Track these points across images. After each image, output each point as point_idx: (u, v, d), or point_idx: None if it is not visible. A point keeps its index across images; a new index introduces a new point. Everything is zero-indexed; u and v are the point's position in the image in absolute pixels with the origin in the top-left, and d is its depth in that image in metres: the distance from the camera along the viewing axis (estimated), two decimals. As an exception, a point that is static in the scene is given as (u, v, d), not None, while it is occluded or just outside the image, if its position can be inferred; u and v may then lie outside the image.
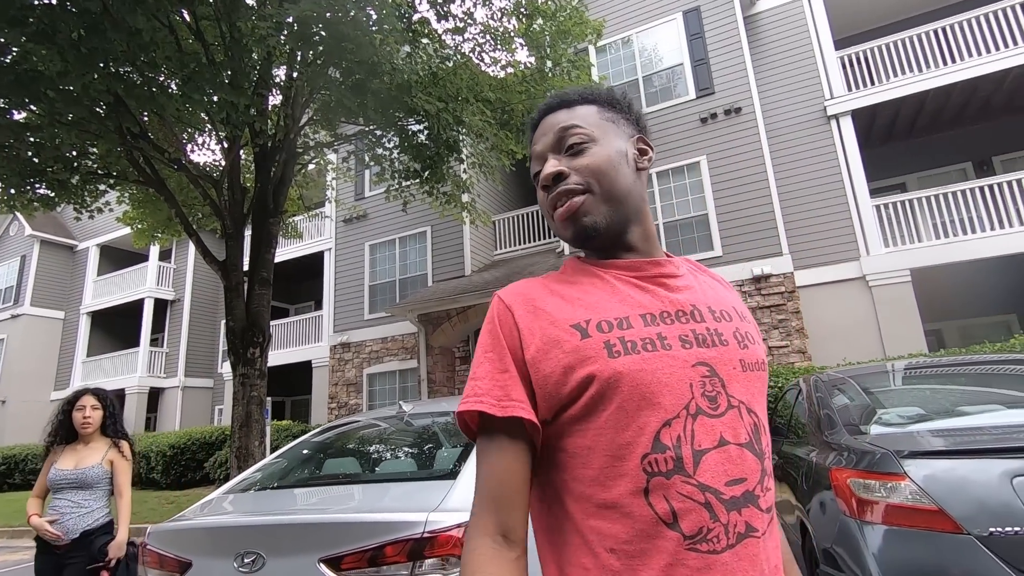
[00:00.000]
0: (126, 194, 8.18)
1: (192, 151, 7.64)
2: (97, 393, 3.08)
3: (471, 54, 7.21)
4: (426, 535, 1.88)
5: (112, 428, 3.01)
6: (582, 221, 0.74)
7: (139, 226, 8.94)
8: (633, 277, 0.76)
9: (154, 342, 17.09)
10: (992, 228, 8.26)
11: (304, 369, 14.11)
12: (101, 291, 17.94)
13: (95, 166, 6.77)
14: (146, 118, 6.54)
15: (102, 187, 7.25)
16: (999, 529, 1.80)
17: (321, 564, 1.96)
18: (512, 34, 7.35)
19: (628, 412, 0.64)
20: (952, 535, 1.87)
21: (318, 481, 3.01)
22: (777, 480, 3.80)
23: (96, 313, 18.00)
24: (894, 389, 3.37)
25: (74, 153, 6.35)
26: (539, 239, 11.99)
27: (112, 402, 3.11)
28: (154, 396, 16.54)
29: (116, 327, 18.42)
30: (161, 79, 5.57)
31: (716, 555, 0.61)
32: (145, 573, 2.25)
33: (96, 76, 4.89)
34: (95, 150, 6.61)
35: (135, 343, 16.79)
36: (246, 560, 2.02)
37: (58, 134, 5.73)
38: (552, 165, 0.76)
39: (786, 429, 3.96)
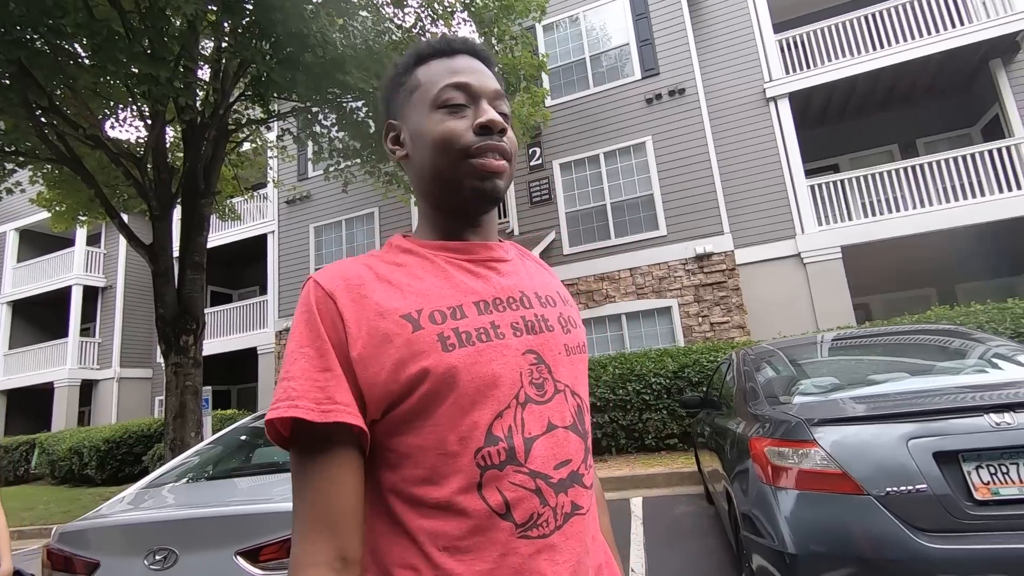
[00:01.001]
0: (39, 173, 7.58)
1: (112, 127, 7.12)
2: None
3: (412, 29, 6.99)
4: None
5: None
6: (499, 185, 0.70)
7: (57, 208, 8.31)
8: (465, 260, 0.72)
9: (85, 332, 16.11)
10: (915, 207, 8.75)
11: (249, 356, 13.66)
12: (23, 278, 16.72)
13: (0, 143, 6.21)
14: (58, 91, 6.04)
15: (9, 166, 6.68)
16: (895, 488, 1.91)
17: (238, 557, 1.90)
18: (455, 7, 7.15)
19: (463, 408, 0.61)
20: (854, 496, 1.97)
21: (245, 471, 2.91)
22: (710, 450, 3.95)
23: (18, 302, 16.80)
24: (817, 360, 3.53)
25: (-26, 128, 5.81)
26: (489, 220, 11.92)
27: None
28: (87, 389, 15.65)
29: (42, 317, 17.27)
30: (70, 48, 5.13)
31: (545, 539, 0.62)
32: (50, 576, 2.13)
33: (-7, 43, 4.47)
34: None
35: (63, 333, 15.78)
36: (157, 557, 1.94)
37: (-47, 107, 5.23)
38: (499, 117, 0.70)
39: (719, 401, 4.11)
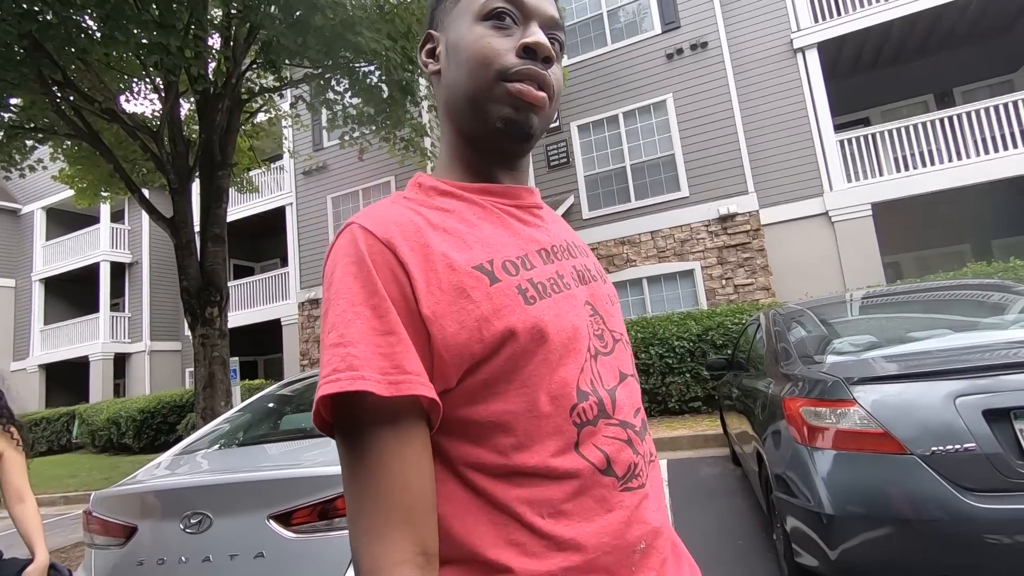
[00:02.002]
0: (59, 150, 7.63)
1: (127, 100, 7.08)
2: None
3: (423, -14, 6.75)
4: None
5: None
6: (533, 120, 0.62)
7: (80, 185, 8.40)
8: (512, 206, 0.66)
9: (115, 307, 16.53)
10: (950, 160, 8.37)
11: (274, 328, 13.89)
12: (52, 256, 17.13)
13: (18, 119, 6.23)
14: (72, 65, 6.01)
15: (30, 142, 6.73)
16: (940, 448, 1.84)
17: (271, 521, 1.92)
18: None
19: (552, 365, 0.56)
20: (896, 456, 1.90)
21: (274, 438, 2.95)
22: (737, 412, 3.90)
23: (50, 280, 17.26)
24: (850, 320, 3.42)
25: (-7, 106, 5.82)
26: (506, 186, 11.75)
27: None
28: (120, 362, 16.15)
29: (73, 293, 17.73)
30: (80, 19, 5.06)
31: (643, 488, 0.60)
32: (91, 540, 2.18)
33: (3, 15, 4.41)
34: (16, 101, 6.07)
35: (95, 309, 16.21)
36: (192, 521, 1.97)
37: (-31, 84, 5.23)
38: (548, 43, 0.62)
39: (746, 363, 4.03)
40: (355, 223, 0.56)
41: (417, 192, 0.64)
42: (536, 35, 0.61)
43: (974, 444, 1.81)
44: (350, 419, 0.51)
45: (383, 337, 0.51)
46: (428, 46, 0.70)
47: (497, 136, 0.63)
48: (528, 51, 0.61)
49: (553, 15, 0.65)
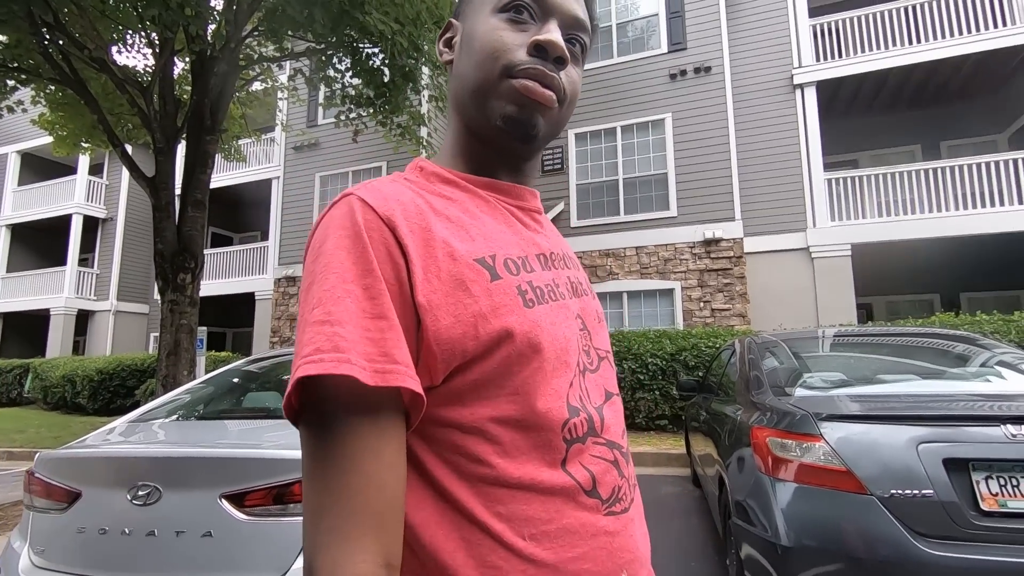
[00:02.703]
0: (41, 94, 7.36)
1: (119, 51, 6.86)
2: None
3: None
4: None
5: None
6: (537, 119, 0.59)
7: (60, 132, 8.11)
8: (514, 206, 0.64)
9: (84, 262, 16.01)
10: (931, 210, 8.60)
11: (247, 301, 13.62)
12: (22, 202, 16.53)
13: (1, 57, 5.99)
14: (65, 8, 5.80)
15: (11, 83, 6.47)
16: (900, 491, 1.87)
17: (222, 500, 1.86)
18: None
19: (546, 374, 0.53)
20: (856, 495, 1.93)
21: (236, 414, 2.87)
22: (703, 435, 3.93)
23: (17, 226, 16.65)
24: (822, 355, 3.47)
25: (-23, 40, 5.59)
26: (498, 185, 11.72)
27: None
28: (83, 319, 15.66)
29: (40, 242, 17.15)
30: (79, -39, 4.90)
31: (627, 512, 0.57)
32: (31, 502, 2.09)
33: (-3, -52, 4.24)
34: (2, 38, 5.83)
35: (62, 261, 15.70)
36: (140, 493, 1.90)
37: (-45, 15, 5.00)
38: (563, 43, 0.59)
39: (717, 387, 4.07)
40: (354, 194, 0.52)
41: (418, 176, 0.61)
42: (550, 33, 0.58)
43: (932, 491, 1.84)
44: (324, 406, 0.46)
45: (373, 320, 0.46)
46: (447, 35, 0.68)
47: (498, 134, 0.60)
48: (539, 49, 0.58)
49: (577, 15, 0.61)
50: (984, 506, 1.81)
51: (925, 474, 1.86)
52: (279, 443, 2.03)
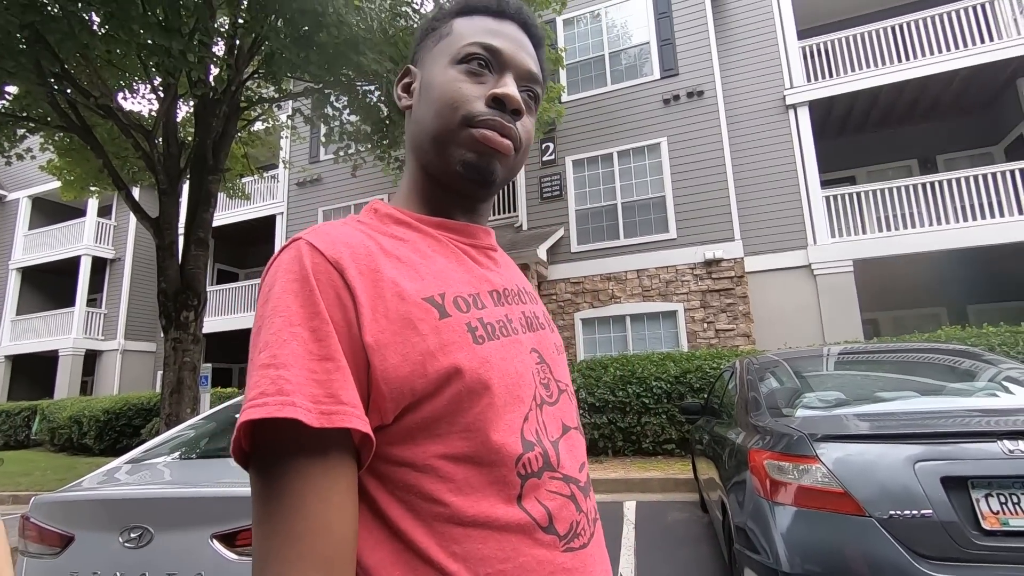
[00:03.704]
0: (50, 141, 7.57)
1: (124, 98, 7.09)
2: None
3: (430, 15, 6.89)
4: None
5: None
6: (495, 165, 0.61)
7: (68, 177, 8.31)
8: (468, 245, 0.65)
9: (92, 302, 16.19)
10: (931, 224, 8.59)
11: (251, 336, 13.67)
12: (33, 246, 16.82)
13: (11, 107, 6.19)
14: (72, 60, 6.01)
15: (21, 131, 6.67)
16: (898, 512, 1.83)
17: (214, 540, 1.85)
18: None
19: (498, 410, 0.53)
20: (855, 517, 1.89)
21: (229, 453, 2.87)
22: (707, 459, 3.88)
23: (27, 269, 16.91)
24: (822, 374, 3.44)
25: (-13, 92, 5.79)
26: (498, 212, 11.84)
27: None
28: (91, 359, 15.74)
29: (49, 285, 17.38)
30: (84, 15, 5.09)
31: (585, 548, 0.56)
32: (25, 547, 2.09)
33: (6, 4, 4.42)
34: (11, 89, 6.04)
35: (70, 303, 15.87)
36: (132, 535, 1.89)
37: (-34, 70, 5.20)
38: (519, 96, 0.62)
39: (719, 409, 4.03)
40: (303, 239, 0.53)
41: (372, 217, 0.63)
42: (507, 87, 0.61)
43: (931, 511, 1.80)
44: (271, 449, 0.46)
45: (319, 363, 0.47)
46: (405, 80, 0.70)
47: (456, 178, 0.62)
48: (497, 101, 0.61)
49: (530, 69, 0.65)
50: (985, 525, 1.77)
51: (923, 493, 1.83)
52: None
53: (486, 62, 0.62)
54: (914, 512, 1.81)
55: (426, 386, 0.50)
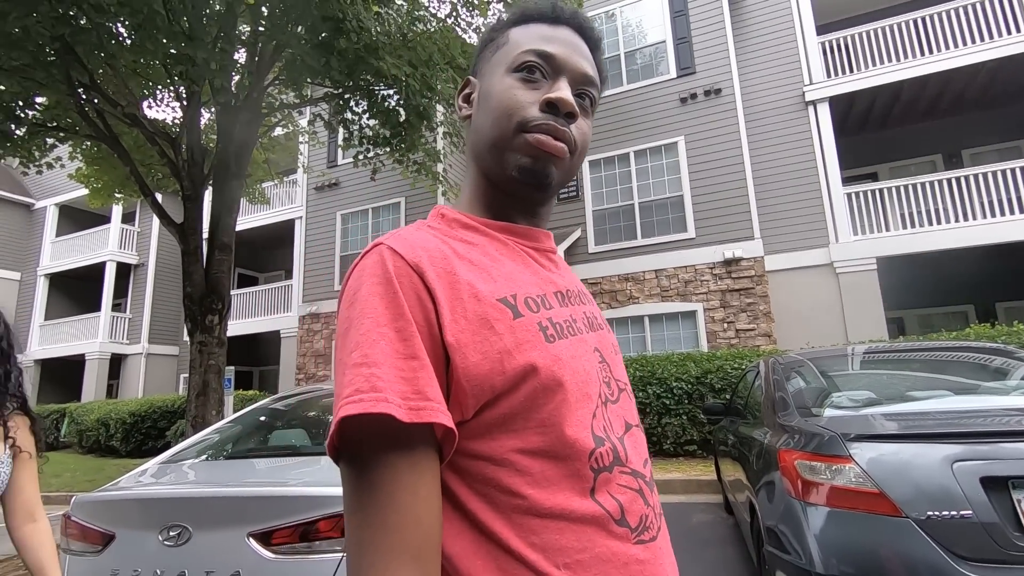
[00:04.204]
0: (78, 149, 7.77)
1: (149, 106, 7.25)
2: None
3: (448, 18, 6.94)
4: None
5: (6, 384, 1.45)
6: (551, 169, 0.63)
7: (95, 185, 8.51)
8: (530, 247, 0.68)
9: (117, 307, 16.56)
10: (957, 220, 8.41)
11: (273, 339, 13.87)
12: (60, 252, 17.26)
13: (42, 117, 6.36)
14: (99, 70, 6.16)
15: (50, 140, 6.85)
16: (936, 513, 1.80)
17: (250, 539, 1.88)
18: (491, -1, 7.08)
19: (571, 406, 0.55)
20: (891, 518, 1.87)
21: (262, 452, 2.92)
22: (732, 460, 3.84)
23: (55, 275, 17.35)
24: (849, 374, 3.39)
25: (19, 103, 5.94)
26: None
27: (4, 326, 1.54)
28: (116, 362, 16.10)
29: (76, 290, 17.80)
30: (112, 26, 5.21)
31: (655, 542, 0.58)
32: (68, 545, 2.14)
33: (39, 18, 4.55)
34: (42, 100, 6.21)
35: (96, 307, 16.25)
36: (171, 533, 1.93)
37: None
38: (572, 99, 0.63)
39: (744, 410, 3.99)
40: (384, 244, 0.56)
41: (440, 223, 0.65)
42: (560, 91, 0.63)
43: (970, 512, 1.77)
44: (363, 444, 0.49)
45: (406, 361, 0.50)
46: (465, 91, 0.73)
47: (514, 183, 0.64)
48: (550, 106, 0.62)
49: (585, 72, 0.66)
50: (1028, 526, 1.73)
51: (962, 494, 1.80)
52: (304, 480, 2.05)
53: (540, 68, 0.64)
54: (953, 513, 1.78)
55: (504, 383, 0.52)
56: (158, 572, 1.91)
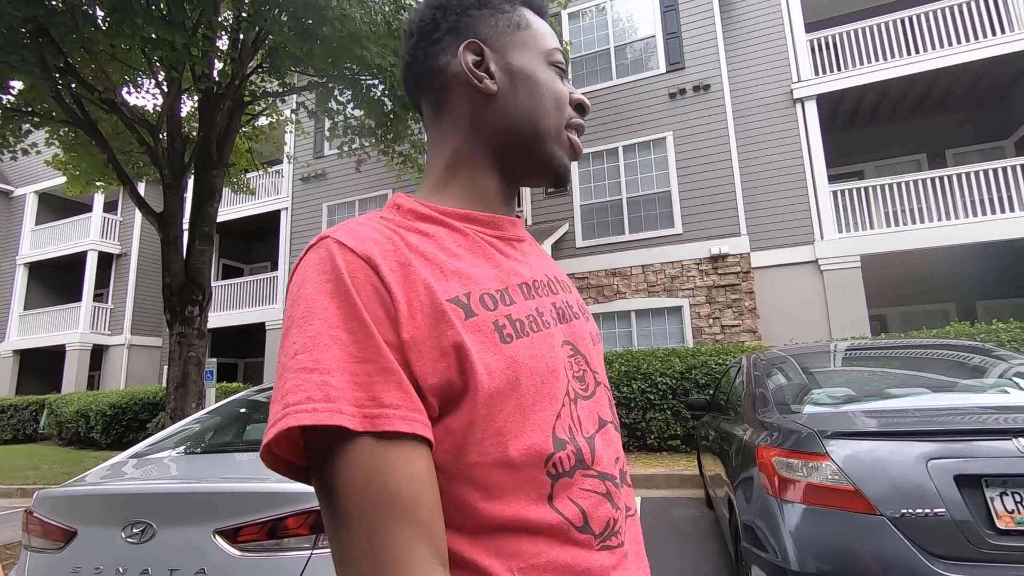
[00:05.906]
0: (54, 136, 7.58)
1: (128, 92, 7.08)
2: None
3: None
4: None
5: None
6: (568, 165, 0.66)
7: (73, 172, 8.32)
8: (494, 237, 0.62)
9: (98, 297, 16.27)
10: (940, 219, 8.50)
11: (258, 331, 13.72)
12: (40, 241, 16.91)
13: (16, 102, 6.19)
14: (76, 54, 5.99)
15: (26, 126, 6.67)
16: (911, 511, 1.80)
17: (216, 536, 1.84)
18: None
19: (525, 410, 0.52)
20: (866, 515, 1.86)
21: (241, 446, 2.86)
22: (713, 455, 3.85)
23: (34, 264, 17.01)
24: (830, 370, 3.40)
25: (-8, 87, 5.78)
26: (503, 208, 11.79)
27: None
28: (97, 353, 15.84)
29: (56, 280, 17.48)
30: (87, 8, 5.07)
31: (622, 547, 0.56)
32: (29, 541, 2.08)
33: (10, -1, 4.41)
34: (16, 84, 6.04)
35: (77, 297, 15.96)
36: (135, 530, 1.88)
37: (-29, 64, 5.20)
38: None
39: (725, 405, 4.00)
40: (331, 237, 0.51)
41: (395, 213, 0.60)
42: (581, 95, 0.66)
43: (944, 509, 1.77)
44: (324, 452, 0.46)
45: (359, 365, 0.46)
46: (476, 58, 0.62)
47: (541, 177, 0.65)
48: (580, 108, 0.66)
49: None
50: (1000, 524, 1.74)
51: (936, 492, 1.80)
52: (272, 476, 2.00)
53: (564, 71, 0.66)
54: (927, 511, 1.78)
55: (462, 385, 0.49)
56: (120, 570, 1.86)
